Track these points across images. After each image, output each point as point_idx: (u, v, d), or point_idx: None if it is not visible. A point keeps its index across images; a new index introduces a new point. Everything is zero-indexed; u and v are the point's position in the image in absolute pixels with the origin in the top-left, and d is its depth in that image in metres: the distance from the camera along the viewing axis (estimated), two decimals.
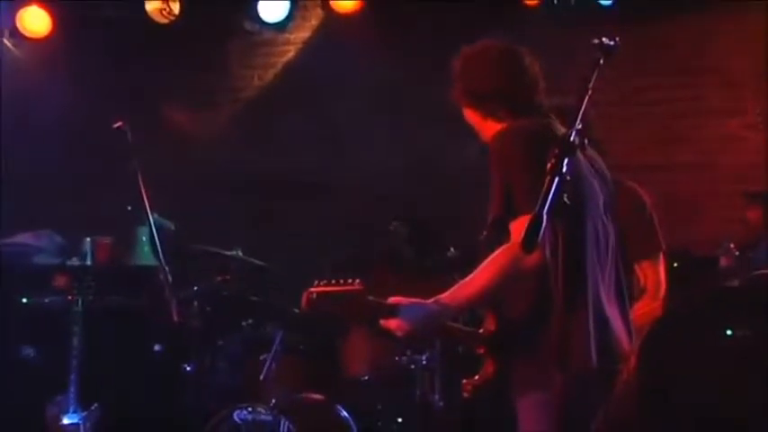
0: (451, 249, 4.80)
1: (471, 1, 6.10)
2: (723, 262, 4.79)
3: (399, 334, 2.69)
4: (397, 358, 4.63)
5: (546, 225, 2.15)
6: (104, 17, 6.64)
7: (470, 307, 2.78)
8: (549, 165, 2.23)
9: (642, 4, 5.93)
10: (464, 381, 2.89)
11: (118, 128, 4.30)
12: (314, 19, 6.75)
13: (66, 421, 4.72)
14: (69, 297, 4.87)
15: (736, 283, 4.86)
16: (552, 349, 2.35)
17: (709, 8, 5.94)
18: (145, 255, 5.96)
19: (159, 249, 4.26)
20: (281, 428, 4.36)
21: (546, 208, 2.16)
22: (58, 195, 6.45)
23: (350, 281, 2.72)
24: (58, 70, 6.67)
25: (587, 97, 2.35)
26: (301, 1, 6.75)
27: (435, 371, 4.57)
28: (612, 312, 2.73)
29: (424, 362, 4.57)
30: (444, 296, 2.68)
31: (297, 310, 4.81)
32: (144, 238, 5.96)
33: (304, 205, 6.50)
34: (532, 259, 2.46)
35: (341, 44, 6.47)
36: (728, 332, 5.00)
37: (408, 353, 4.61)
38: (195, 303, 4.82)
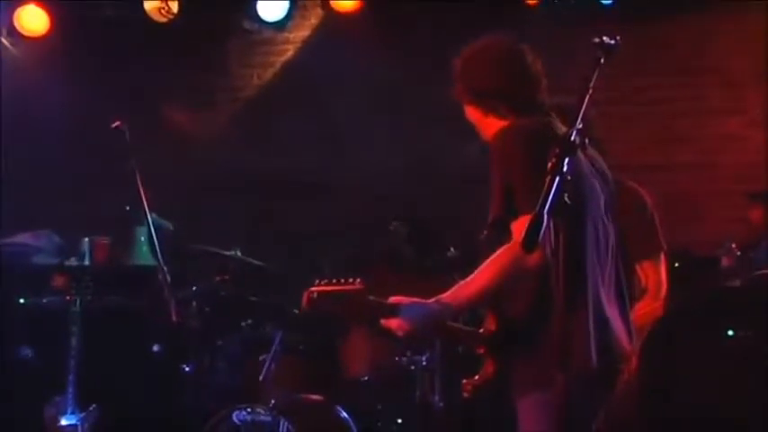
0: (451, 249, 4.80)
1: (471, 1, 6.08)
2: (724, 262, 4.79)
3: (400, 333, 2.69)
4: (396, 359, 4.63)
5: (546, 225, 2.14)
6: (103, 16, 6.63)
7: (471, 307, 2.78)
8: (549, 164, 2.22)
9: (642, 4, 5.93)
10: (464, 381, 2.88)
11: (116, 127, 4.30)
12: (313, 18, 6.74)
13: (64, 422, 4.70)
14: (67, 297, 4.86)
15: (737, 283, 4.86)
16: (553, 349, 2.34)
17: (710, 8, 5.94)
18: (143, 255, 5.95)
19: (158, 249, 4.25)
20: (281, 429, 4.35)
21: (546, 208, 2.15)
22: (56, 195, 6.43)
23: (350, 280, 2.72)
24: (56, 69, 6.66)
25: (588, 96, 2.34)
26: (301, 0, 6.74)
27: (435, 371, 4.56)
28: (612, 313, 2.72)
29: (424, 362, 4.56)
30: (445, 296, 2.67)
31: (296, 311, 4.80)
32: (142, 238, 5.96)
33: (303, 205, 6.49)
34: (533, 259, 2.45)
35: (340, 43, 6.46)
36: (730, 332, 5.00)
37: (408, 353, 4.60)
38: (194, 303, 4.82)
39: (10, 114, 6.33)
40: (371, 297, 2.71)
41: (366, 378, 4.73)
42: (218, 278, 4.96)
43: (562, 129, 2.57)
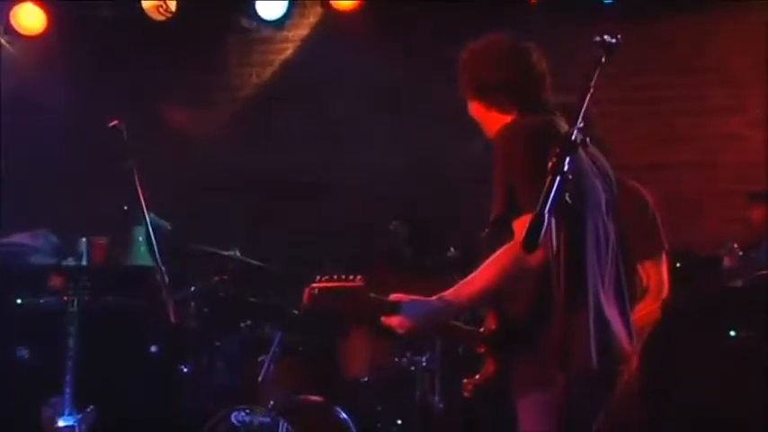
0: (451, 249, 4.79)
1: (471, 0, 6.07)
2: (726, 262, 4.77)
3: (400, 331, 2.68)
4: (396, 359, 4.63)
5: (547, 224, 2.13)
6: (101, 15, 6.62)
7: (472, 305, 2.76)
8: (550, 163, 2.21)
9: (643, 3, 5.91)
10: (465, 380, 2.87)
11: (114, 127, 4.28)
12: (313, 17, 6.73)
13: (61, 423, 4.70)
14: (65, 297, 4.86)
15: (739, 283, 4.85)
16: (553, 349, 2.32)
17: (710, 7, 5.93)
18: (141, 255, 5.94)
19: (156, 249, 4.23)
20: (280, 430, 4.35)
21: (547, 207, 2.14)
22: (53, 195, 6.42)
23: (351, 277, 2.71)
24: (53, 68, 6.65)
25: (589, 95, 2.33)
26: None
27: (435, 372, 4.56)
28: (612, 313, 2.71)
29: (424, 363, 4.56)
30: (447, 294, 2.67)
31: (296, 311, 4.79)
32: (140, 239, 5.95)
33: (303, 205, 6.47)
34: (535, 259, 2.43)
35: (340, 42, 6.44)
36: (732, 333, 4.99)
37: (408, 354, 4.60)
38: (192, 304, 4.81)
39: (6, 113, 6.32)
40: (372, 294, 2.70)
41: (366, 379, 4.73)
42: (216, 278, 4.94)
43: (565, 127, 2.56)
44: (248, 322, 5.05)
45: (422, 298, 2.68)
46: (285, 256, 5.98)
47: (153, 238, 4.28)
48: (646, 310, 3.92)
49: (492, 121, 2.85)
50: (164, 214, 5.54)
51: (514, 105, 2.80)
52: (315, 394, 4.59)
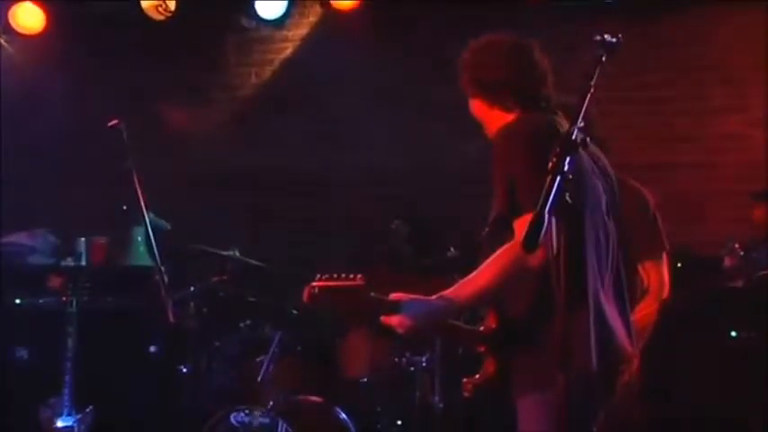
0: (451, 249, 4.78)
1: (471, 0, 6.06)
2: (728, 262, 4.75)
3: (400, 330, 2.67)
4: (396, 360, 4.62)
5: (548, 224, 2.13)
6: (99, 14, 6.60)
7: (473, 304, 2.75)
8: (550, 163, 2.20)
9: (643, 2, 5.89)
10: (464, 380, 2.86)
11: (113, 126, 4.27)
12: (312, 16, 6.71)
13: (60, 424, 4.70)
14: (64, 298, 4.86)
15: (740, 284, 4.83)
16: (554, 349, 2.31)
17: (711, 6, 5.91)
18: (140, 255, 5.93)
19: (155, 249, 4.22)
20: (279, 431, 4.34)
21: (548, 207, 2.14)
22: (52, 194, 6.41)
23: (351, 276, 2.70)
24: (52, 68, 6.64)
25: (589, 95, 2.32)
26: None
27: (435, 372, 4.55)
28: (612, 314, 2.70)
29: (424, 363, 4.55)
30: (447, 292, 2.66)
31: (295, 311, 4.79)
32: (139, 238, 5.94)
33: (302, 204, 6.46)
34: (536, 258, 2.43)
35: (339, 41, 6.43)
36: (733, 334, 4.98)
37: (408, 354, 4.59)
38: (192, 304, 4.80)
39: (5, 113, 6.31)
40: (372, 293, 2.69)
41: (365, 379, 4.72)
42: (215, 278, 4.94)
43: (566, 127, 2.55)
44: (248, 322, 5.04)
45: (422, 297, 2.67)
46: (285, 255, 5.97)
47: (152, 238, 4.27)
48: (646, 311, 3.91)
49: (493, 119, 2.84)
50: (163, 214, 5.53)
51: (516, 104, 2.79)
52: (314, 395, 4.58)
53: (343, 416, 4.47)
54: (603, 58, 2.36)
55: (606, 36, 2.37)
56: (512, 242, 2.55)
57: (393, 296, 2.68)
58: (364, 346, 4.74)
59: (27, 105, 6.45)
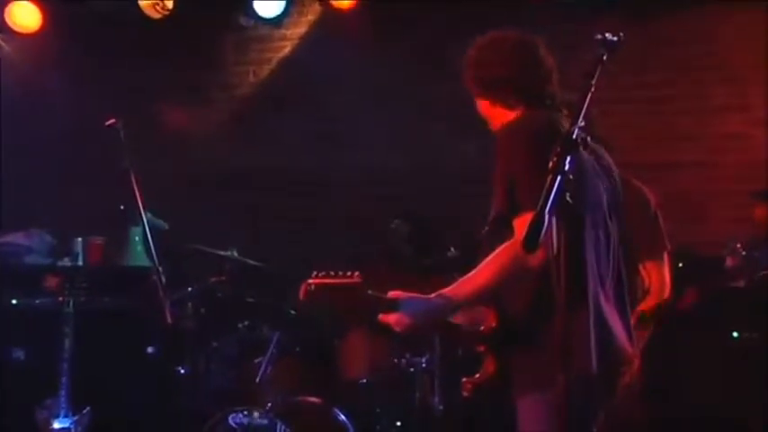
0: (451, 249, 4.77)
1: None
2: (729, 262, 4.74)
3: (398, 328, 2.66)
4: (396, 360, 4.61)
5: (548, 224, 2.12)
6: (97, 12, 6.58)
7: (471, 303, 2.73)
8: (551, 163, 2.19)
9: (644, 0, 5.87)
10: (464, 379, 2.85)
11: (110, 125, 4.25)
12: (310, 14, 6.70)
13: (56, 425, 4.68)
14: (60, 298, 4.84)
15: (741, 284, 4.82)
16: (554, 350, 2.30)
17: (711, 4, 5.89)
18: (138, 255, 5.91)
19: (153, 250, 4.20)
20: None
21: (548, 207, 2.13)
22: (49, 194, 6.38)
23: (349, 273, 2.68)
24: (48, 66, 6.62)
25: (590, 94, 2.30)
26: None
27: (435, 373, 4.54)
28: (612, 314, 2.69)
29: (424, 364, 4.55)
30: (445, 291, 2.65)
31: (293, 312, 4.77)
32: (137, 238, 5.92)
33: (302, 204, 6.45)
34: (535, 258, 2.41)
35: (338, 40, 6.41)
36: (735, 334, 4.97)
37: (407, 355, 4.58)
38: (189, 304, 4.79)
39: (2, 112, 6.29)
40: (370, 291, 2.67)
41: (365, 380, 4.70)
42: (213, 279, 4.92)
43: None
44: (246, 323, 5.02)
45: (420, 295, 2.66)
46: (284, 255, 5.95)
47: (150, 237, 4.25)
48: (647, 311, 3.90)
49: (497, 117, 2.83)
50: (162, 214, 5.52)
51: (519, 101, 2.78)
52: (313, 395, 4.57)
53: (343, 417, 4.46)
54: (605, 57, 2.34)
55: (607, 35, 2.36)
56: (511, 241, 2.54)
57: (391, 294, 2.67)
58: (364, 346, 4.73)
59: (24, 105, 6.43)
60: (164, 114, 6.66)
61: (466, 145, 5.59)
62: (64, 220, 6.15)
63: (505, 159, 2.61)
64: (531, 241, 2.11)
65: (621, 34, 2.36)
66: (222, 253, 4.98)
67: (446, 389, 4.49)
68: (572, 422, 2.31)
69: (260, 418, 4.34)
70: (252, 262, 5.08)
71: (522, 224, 2.46)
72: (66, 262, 5.89)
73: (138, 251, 5.88)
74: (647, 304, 3.97)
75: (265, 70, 6.86)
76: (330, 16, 6.54)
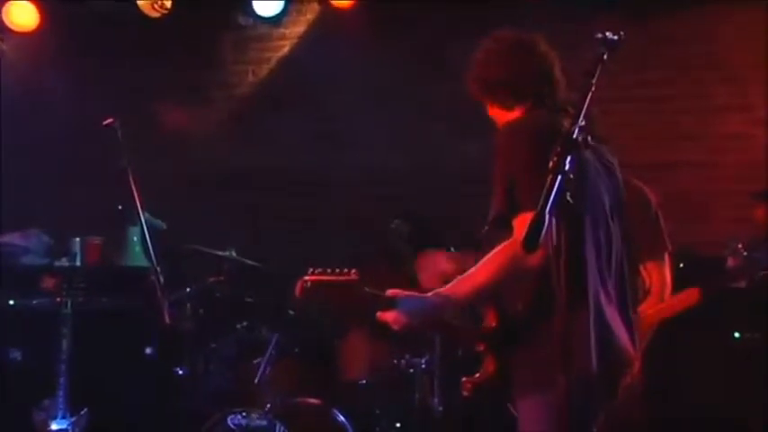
0: (451, 249, 4.74)
1: None
2: (730, 262, 4.72)
3: (395, 327, 2.66)
4: (395, 361, 4.61)
5: (548, 224, 2.11)
6: (95, 11, 6.56)
7: (470, 302, 2.74)
8: (551, 162, 2.19)
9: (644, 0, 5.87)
10: (464, 379, 2.84)
11: (108, 125, 4.25)
12: (309, 13, 6.69)
13: (54, 427, 4.69)
14: (58, 299, 4.85)
15: (742, 284, 4.81)
16: (554, 350, 2.29)
17: (712, 4, 5.88)
18: (136, 255, 5.91)
19: (151, 250, 4.20)
20: None
21: (548, 207, 2.12)
22: (48, 194, 6.37)
23: (346, 271, 2.68)
24: (46, 66, 6.61)
25: (591, 93, 2.29)
26: None
27: (434, 374, 4.54)
28: (613, 315, 2.69)
29: (423, 365, 4.54)
30: (444, 289, 2.65)
31: (292, 312, 4.76)
32: (135, 238, 5.92)
33: (302, 204, 6.44)
34: (535, 258, 2.41)
35: (337, 39, 6.41)
36: (736, 335, 4.96)
37: (407, 356, 4.57)
38: (188, 305, 4.80)
39: (0, 111, 6.28)
40: (367, 289, 2.67)
41: (364, 381, 4.71)
42: (212, 279, 4.92)
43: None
44: (245, 323, 5.02)
45: (418, 294, 2.66)
46: (284, 255, 5.94)
47: (148, 238, 4.23)
48: (647, 312, 3.89)
49: (498, 117, 2.84)
50: (161, 214, 5.51)
51: (517, 102, 2.79)
52: (312, 396, 4.58)
53: (342, 418, 4.47)
54: (605, 56, 2.35)
55: (608, 34, 2.36)
56: (510, 240, 2.54)
57: (389, 292, 2.67)
58: (363, 347, 4.73)
59: (22, 104, 6.41)
60: (163, 114, 6.65)
61: (466, 145, 5.58)
62: (62, 220, 6.14)
63: (505, 159, 2.61)
64: (532, 241, 2.11)
65: (622, 33, 2.36)
66: (220, 253, 4.98)
67: (446, 389, 4.50)
68: (572, 423, 2.31)
69: (259, 419, 4.35)
70: (250, 262, 5.07)
71: (521, 224, 2.46)
72: (64, 262, 5.87)
73: (137, 251, 5.87)
74: (648, 306, 3.96)
75: (264, 70, 6.84)
76: (329, 15, 6.53)
